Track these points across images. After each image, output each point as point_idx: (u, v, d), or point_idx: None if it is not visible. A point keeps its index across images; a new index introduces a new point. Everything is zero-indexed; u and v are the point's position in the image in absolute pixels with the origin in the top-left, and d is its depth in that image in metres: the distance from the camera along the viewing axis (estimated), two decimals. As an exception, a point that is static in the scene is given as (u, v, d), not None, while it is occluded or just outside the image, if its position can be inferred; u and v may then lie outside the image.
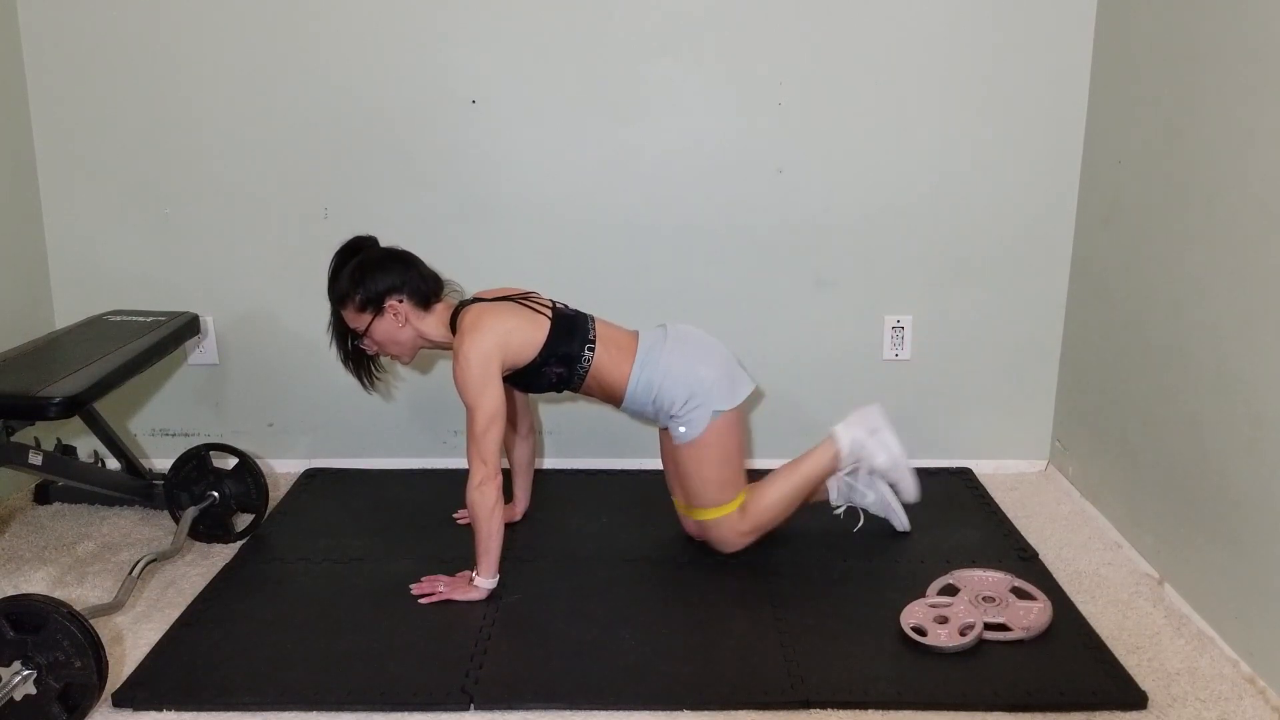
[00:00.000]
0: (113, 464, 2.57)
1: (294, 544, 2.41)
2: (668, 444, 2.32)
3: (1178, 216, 2.16)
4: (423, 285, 2.19)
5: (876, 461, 2.33)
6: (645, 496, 2.59)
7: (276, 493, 2.67)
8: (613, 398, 2.25)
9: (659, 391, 2.19)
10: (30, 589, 2.20)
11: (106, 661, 1.73)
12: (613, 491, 2.68)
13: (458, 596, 2.12)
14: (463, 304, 2.22)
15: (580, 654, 1.94)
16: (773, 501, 2.28)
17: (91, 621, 1.73)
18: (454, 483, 2.44)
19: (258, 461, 2.47)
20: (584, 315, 2.25)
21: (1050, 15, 2.56)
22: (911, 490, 2.38)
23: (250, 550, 2.38)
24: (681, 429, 2.20)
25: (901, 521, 2.41)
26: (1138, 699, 1.80)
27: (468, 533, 2.16)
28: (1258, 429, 1.88)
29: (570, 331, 2.19)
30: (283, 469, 2.86)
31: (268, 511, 2.51)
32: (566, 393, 2.28)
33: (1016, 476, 2.81)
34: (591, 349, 2.20)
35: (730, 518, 2.24)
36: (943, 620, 2.00)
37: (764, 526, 2.28)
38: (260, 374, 2.82)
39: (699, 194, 2.67)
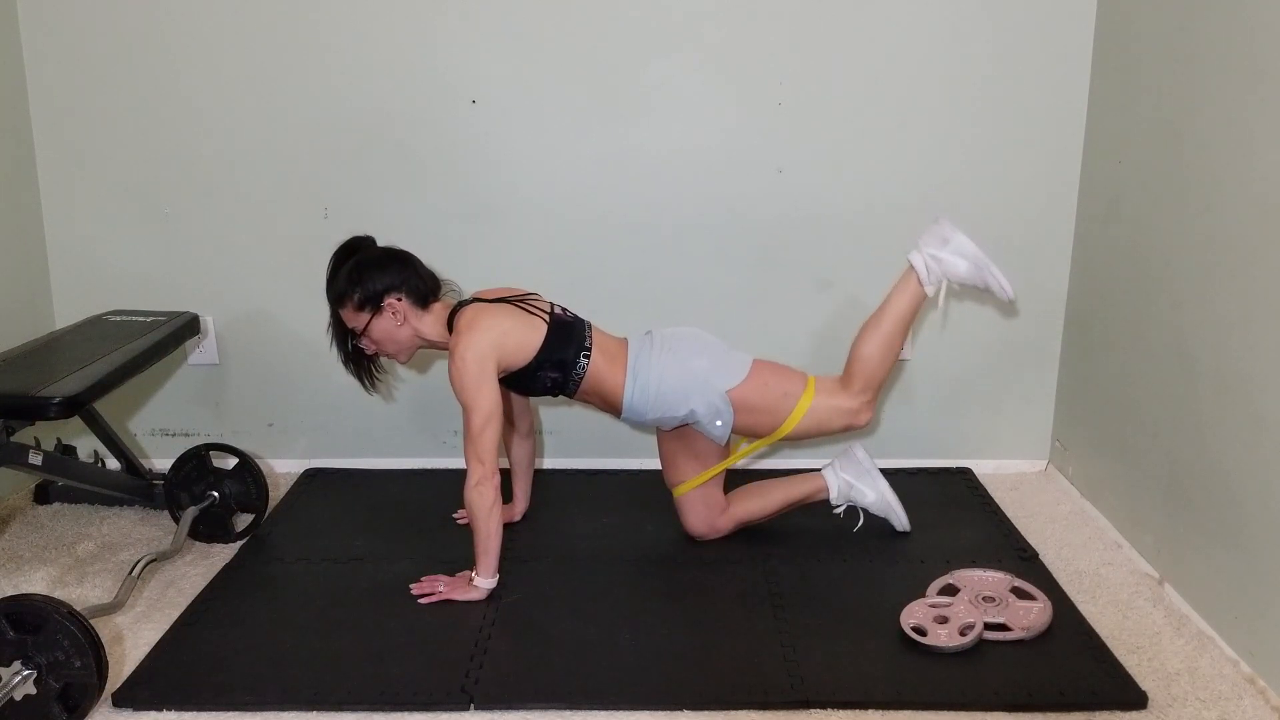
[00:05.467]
0: (113, 464, 2.57)
1: (294, 544, 2.41)
2: (665, 437, 2.32)
3: (1178, 216, 2.16)
4: (421, 284, 2.19)
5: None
6: (645, 496, 2.59)
7: (276, 493, 2.67)
8: (612, 407, 2.25)
9: (658, 396, 2.19)
10: (30, 589, 2.20)
11: (106, 661, 1.73)
12: (613, 491, 2.68)
13: (457, 596, 2.12)
14: (461, 304, 2.22)
15: (580, 654, 1.94)
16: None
17: (91, 621, 1.73)
18: (454, 483, 2.44)
19: (258, 461, 2.47)
20: (582, 321, 2.25)
21: (1050, 15, 2.56)
22: (902, 522, 2.42)
23: (250, 550, 2.38)
24: (718, 424, 2.21)
25: (901, 521, 2.41)
26: (1138, 699, 1.80)
27: (468, 533, 2.15)
28: (1258, 429, 1.88)
29: (567, 337, 2.19)
30: (283, 469, 2.86)
31: (268, 511, 2.51)
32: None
33: (1016, 476, 2.80)
34: (588, 356, 2.19)
35: (821, 397, 2.23)
36: (943, 620, 2.00)
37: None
38: (260, 374, 2.82)
39: (699, 194, 2.67)
